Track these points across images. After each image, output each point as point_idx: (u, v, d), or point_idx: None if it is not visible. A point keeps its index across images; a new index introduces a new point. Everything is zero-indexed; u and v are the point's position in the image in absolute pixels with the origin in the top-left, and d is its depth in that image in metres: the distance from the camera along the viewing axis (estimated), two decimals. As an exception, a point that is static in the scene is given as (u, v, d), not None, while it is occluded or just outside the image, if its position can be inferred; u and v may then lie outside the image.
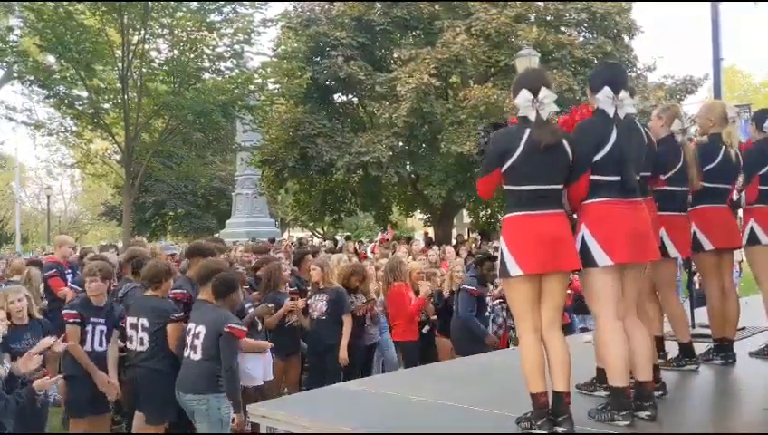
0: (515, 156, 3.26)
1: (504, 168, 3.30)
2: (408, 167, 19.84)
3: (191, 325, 5.13)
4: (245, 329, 5.23)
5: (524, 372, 3.30)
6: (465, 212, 27.10)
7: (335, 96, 21.30)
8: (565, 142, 3.34)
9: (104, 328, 5.47)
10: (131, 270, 6.42)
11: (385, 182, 19.57)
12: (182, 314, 5.47)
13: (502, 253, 3.33)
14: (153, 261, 6.16)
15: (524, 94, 3.33)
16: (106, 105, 18.02)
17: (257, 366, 5.87)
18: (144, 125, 18.28)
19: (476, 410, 3.69)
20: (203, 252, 6.32)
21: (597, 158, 3.37)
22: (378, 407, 3.94)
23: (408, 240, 17.23)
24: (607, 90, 3.44)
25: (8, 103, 18.53)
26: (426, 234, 24.00)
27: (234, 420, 4.96)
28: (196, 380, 4.98)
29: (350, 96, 21.46)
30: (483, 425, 3.43)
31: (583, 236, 3.37)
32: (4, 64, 17.81)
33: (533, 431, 3.23)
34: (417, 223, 31.61)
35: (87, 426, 5.59)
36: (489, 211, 24.03)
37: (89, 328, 5.37)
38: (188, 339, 5.10)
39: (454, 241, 19.06)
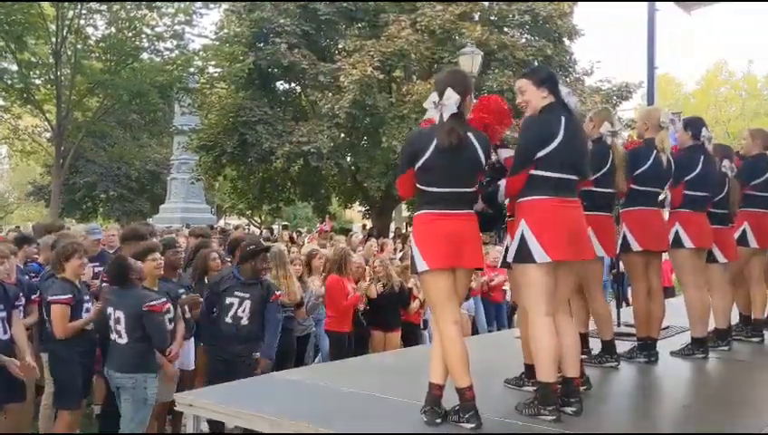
0: (426, 156, 3.27)
1: (416, 168, 3.32)
2: (348, 158, 19.83)
3: (110, 310, 5.08)
4: (164, 300, 5.14)
5: (450, 364, 3.31)
6: (404, 206, 27.27)
7: (277, 84, 21.06)
8: (476, 144, 3.33)
9: (4, 314, 5.12)
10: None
11: (325, 173, 19.49)
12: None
13: (411, 250, 3.38)
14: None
15: (432, 96, 3.37)
16: (37, 81, 17.34)
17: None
18: (77, 103, 17.70)
19: (403, 401, 3.70)
20: (138, 236, 6.16)
21: (541, 153, 3.41)
22: (307, 397, 3.92)
23: (346, 232, 17.22)
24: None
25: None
26: (364, 226, 24.05)
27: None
28: (126, 360, 4.99)
29: (292, 84, 21.27)
30: (411, 415, 3.44)
31: (522, 232, 3.41)
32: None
33: (462, 424, 3.26)
34: (356, 215, 31.63)
35: (6, 417, 5.39)
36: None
37: None
38: (111, 323, 5.05)
39: (391, 234, 19.16)
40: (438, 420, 3.31)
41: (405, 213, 29.03)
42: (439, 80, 3.50)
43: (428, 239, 3.30)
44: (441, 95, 3.32)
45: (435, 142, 3.26)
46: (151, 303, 4.99)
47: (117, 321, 5.01)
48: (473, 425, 3.22)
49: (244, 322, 5.60)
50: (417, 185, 3.35)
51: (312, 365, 7.12)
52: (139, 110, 19.95)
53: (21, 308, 5.48)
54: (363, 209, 25.96)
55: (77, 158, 21.80)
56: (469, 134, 3.33)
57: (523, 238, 3.41)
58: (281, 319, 5.97)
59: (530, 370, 3.76)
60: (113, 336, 5.05)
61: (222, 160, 19.78)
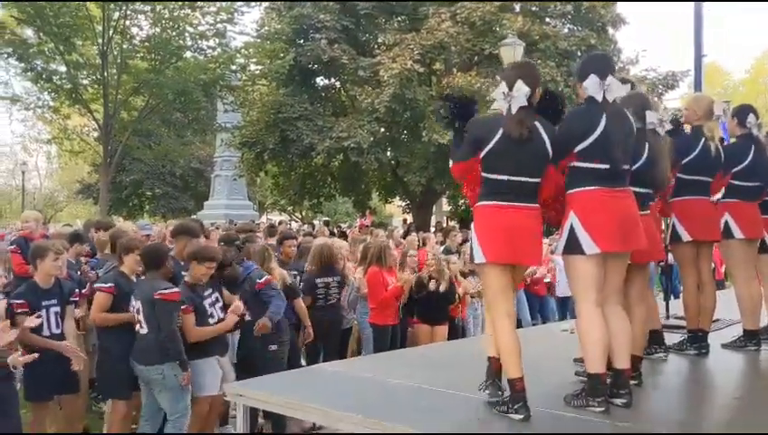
0: (492, 143, 3.29)
1: (482, 155, 3.33)
2: (388, 153, 19.83)
3: (134, 302, 5.18)
4: (177, 290, 5.17)
5: (502, 356, 3.34)
6: (444, 200, 27.20)
7: (317, 79, 21.18)
8: (544, 135, 3.34)
9: (57, 309, 5.30)
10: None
11: (365, 168, 19.54)
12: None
13: (471, 239, 3.39)
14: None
15: (501, 87, 3.37)
16: (85, 81, 17.77)
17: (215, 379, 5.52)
18: (123, 102, 18.08)
19: (451, 392, 3.70)
20: (189, 231, 6.28)
21: (584, 144, 3.38)
22: (353, 388, 3.94)
23: (384, 226, 17.23)
24: (593, 77, 3.46)
25: (-17, 76, 18.21)
26: (404, 220, 24.05)
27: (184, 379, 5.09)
28: (147, 351, 5.05)
29: (332, 80, 21.36)
30: (459, 407, 3.44)
31: (571, 224, 3.39)
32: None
33: (510, 415, 3.26)
34: (396, 210, 31.66)
35: (55, 407, 5.54)
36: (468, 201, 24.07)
37: (42, 312, 5.12)
38: (135, 314, 5.16)
39: (432, 229, 19.11)
40: (500, 393, 3.34)
41: (445, 207, 28.95)
42: (509, 71, 3.49)
43: (489, 232, 3.31)
44: (511, 87, 3.33)
45: (501, 131, 3.28)
46: (163, 291, 5.01)
47: (138, 311, 5.09)
48: (521, 416, 3.22)
49: (247, 317, 5.70)
50: (482, 173, 3.36)
51: (358, 358, 7.16)
52: (182, 108, 20.26)
53: (74, 303, 5.66)
54: (403, 204, 26.00)
55: (123, 156, 22.26)
56: (536, 124, 3.35)
57: (572, 229, 3.39)
58: (276, 295, 5.93)
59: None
60: (137, 327, 5.13)
61: (264, 157, 20.01)
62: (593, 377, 3.37)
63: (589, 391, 3.38)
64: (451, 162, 3.54)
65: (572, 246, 3.39)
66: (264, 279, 5.93)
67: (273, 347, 5.92)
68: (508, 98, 3.33)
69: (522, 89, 3.32)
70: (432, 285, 7.83)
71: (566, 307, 10.54)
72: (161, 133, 24.67)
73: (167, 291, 5.04)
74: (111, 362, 5.40)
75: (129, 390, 5.45)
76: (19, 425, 5.00)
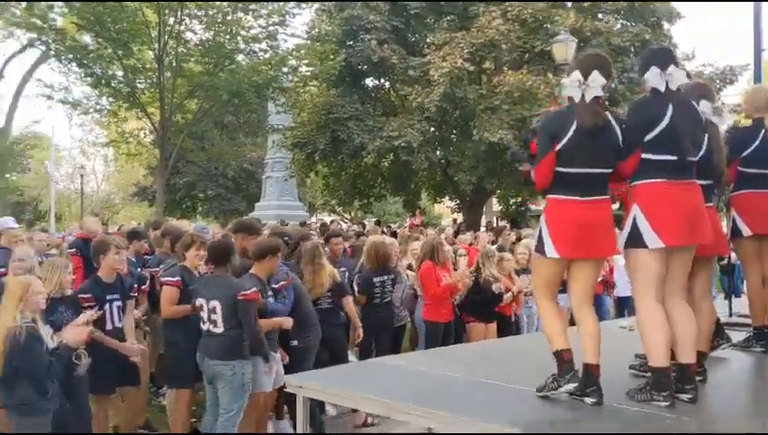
0: (567, 137, 3.27)
1: (557, 148, 3.31)
2: (438, 152, 19.75)
3: (201, 301, 5.28)
4: (256, 289, 5.28)
5: (583, 343, 3.38)
6: (494, 200, 26.97)
7: (367, 80, 21.23)
8: (615, 126, 3.32)
9: (120, 303, 5.51)
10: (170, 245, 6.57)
11: (415, 167, 19.51)
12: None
13: (541, 230, 3.37)
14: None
15: (575, 75, 3.35)
16: (141, 85, 18.24)
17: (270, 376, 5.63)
18: (178, 106, 18.47)
19: (512, 386, 3.68)
20: (250, 229, 6.42)
21: (651, 136, 3.33)
22: (409, 380, 3.95)
23: (434, 226, 17.19)
24: (654, 68, 3.40)
25: (46, 82, 18.86)
26: (454, 220, 23.94)
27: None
28: (222, 348, 5.18)
29: (382, 80, 21.39)
30: (517, 400, 3.42)
31: (635, 217, 3.35)
32: (42, 44, 18.08)
33: (584, 398, 3.27)
34: (445, 211, 31.54)
35: (117, 400, 5.73)
36: (519, 199, 23.89)
37: (106, 307, 5.37)
38: (204, 314, 5.25)
39: (482, 228, 18.98)
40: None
41: (495, 207, 28.72)
42: (586, 60, 3.48)
43: (559, 225, 3.31)
44: (586, 76, 3.31)
45: (575, 123, 3.25)
46: (246, 292, 5.15)
47: (212, 310, 5.19)
48: (594, 400, 3.23)
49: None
50: (557, 167, 3.34)
51: (413, 352, 7.17)
52: (236, 110, 20.65)
53: (134, 298, 5.83)
54: (453, 204, 25.86)
55: (177, 159, 22.76)
56: (608, 114, 3.35)
57: (635, 223, 3.34)
58: (282, 297, 5.82)
59: None
60: (206, 326, 5.25)
61: (314, 157, 20.14)
62: (657, 371, 3.31)
63: (653, 385, 3.33)
64: (532, 172, 3.48)
65: (635, 240, 3.34)
66: (279, 284, 5.83)
67: (295, 343, 5.94)
68: (583, 87, 3.30)
69: (597, 79, 3.30)
70: (495, 288, 7.79)
71: (624, 307, 10.34)
72: (214, 136, 25.09)
73: (249, 291, 5.17)
74: (178, 353, 5.56)
75: (192, 380, 5.60)
76: (89, 417, 5.19)
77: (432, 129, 18.96)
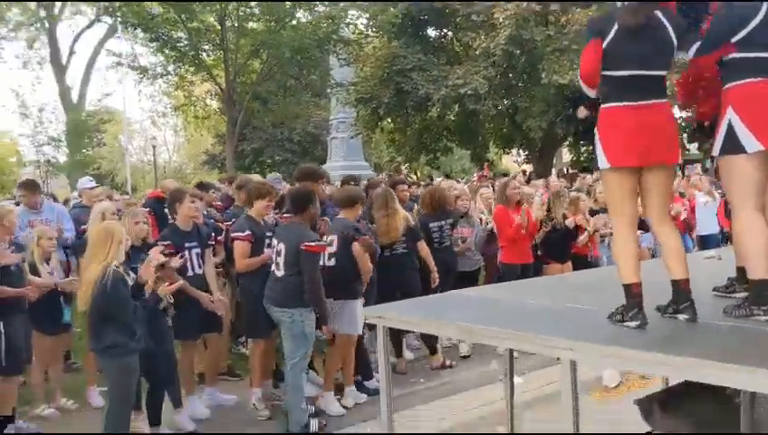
0: (608, 39, 3.04)
1: (602, 48, 3.07)
2: (505, 100, 19.25)
3: (274, 242, 5.27)
4: (323, 244, 5.27)
5: (666, 260, 3.14)
6: (564, 150, 26.28)
7: (429, 29, 20.85)
8: (667, 24, 3.05)
9: (198, 250, 5.54)
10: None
11: (482, 118, 19.13)
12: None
13: (595, 145, 3.17)
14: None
15: None
16: (206, 47, 18.39)
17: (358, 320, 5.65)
18: (243, 66, 18.57)
19: (598, 310, 3.47)
20: (314, 175, 6.36)
21: (743, 33, 3.04)
22: (491, 308, 3.77)
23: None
24: None
25: (114, 51, 19.28)
26: (524, 172, 23.44)
27: (322, 330, 5.27)
28: (281, 294, 5.12)
29: (443, 30, 20.94)
30: (606, 324, 3.20)
31: (729, 121, 3.08)
32: (109, 15, 18.44)
33: (678, 315, 3.06)
34: (512, 165, 30.97)
35: (201, 346, 5.81)
36: (591, 147, 23.17)
37: (186, 254, 5.40)
38: (273, 256, 5.23)
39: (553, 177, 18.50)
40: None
41: (566, 157, 28.01)
42: None
43: (614, 134, 3.08)
44: None
45: (616, 24, 3.03)
46: (310, 243, 5.05)
47: (278, 253, 5.15)
48: (688, 316, 3.02)
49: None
50: (603, 72, 3.11)
51: (491, 285, 6.99)
52: (298, 71, 20.61)
53: (212, 247, 5.83)
54: (521, 157, 25.33)
55: (244, 125, 22.98)
56: (658, 12, 3.06)
57: (730, 127, 3.07)
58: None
59: (742, 273, 3.40)
60: (272, 268, 5.21)
61: (379, 112, 20.00)
62: (759, 283, 3.03)
63: (753, 299, 3.05)
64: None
65: (731, 145, 3.07)
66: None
67: None
68: None
69: None
70: (569, 223, 7.59)
71: (707, 246, 9.85)
72: (279, 100, 25.19)
73: (313, 244, 5.10)
74: (254, 303, 5.52)
75: (269, 330, 5.57)
76: (173, 358, 5.26)
77: (498, 75, 18.44)
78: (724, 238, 10.07)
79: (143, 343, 4.49)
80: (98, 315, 4.27)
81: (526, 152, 23.09)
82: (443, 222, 7.00)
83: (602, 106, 3.17)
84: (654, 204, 3.19)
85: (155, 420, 4.99)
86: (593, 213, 8.38)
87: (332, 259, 5.58)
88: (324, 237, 5.69)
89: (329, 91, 25.31)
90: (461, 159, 29.16)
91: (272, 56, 18.57)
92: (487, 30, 17.42)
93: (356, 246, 5.62)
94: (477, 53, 17.65)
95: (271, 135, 29.52)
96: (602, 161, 3.12)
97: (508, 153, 26.82)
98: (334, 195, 6.70)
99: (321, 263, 5.35)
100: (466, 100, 17.40)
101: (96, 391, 5.86)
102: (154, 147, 34.28)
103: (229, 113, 18.34)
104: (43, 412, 5.65)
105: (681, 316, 3.05)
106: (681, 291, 3.08)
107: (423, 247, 6.62)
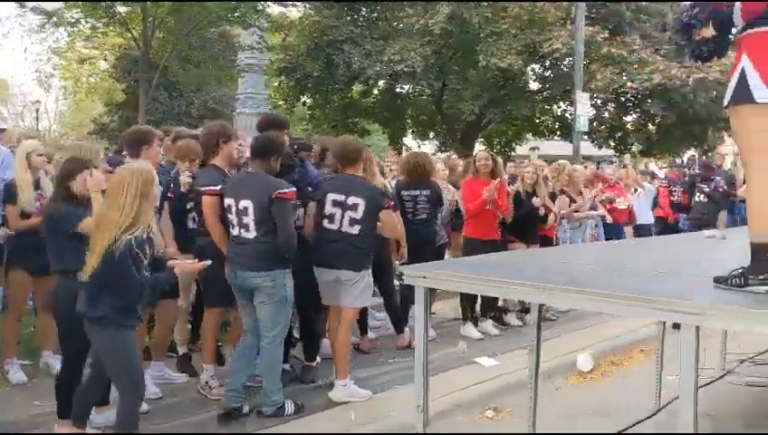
0: None
1: None
2: (437, 82, 18.84)
3: (230, 201, 4.43)
4: (294, 190, 4.49)
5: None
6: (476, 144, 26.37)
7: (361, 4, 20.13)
8: None
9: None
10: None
11: (411, 98, 18.67)
12: None
13: (739, 75, 2.80)
14: None
15: None
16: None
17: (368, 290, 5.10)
18: (162, 20, 17.03)
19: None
20: (280, 124, 5.51)
21: None
22: (519, 267, 3.82)
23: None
24: None
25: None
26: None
27: None
28: (256, 257, 4.35)
29: (378, 2, 20.25)
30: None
31: (743, 68, 2.80)
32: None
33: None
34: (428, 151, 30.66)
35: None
36: (505, 139, 23.45)
37: None
38: (232, 217, 4.42)
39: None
40: None
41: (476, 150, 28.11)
42: None
43: None
44: None
45: None
46: (282, 190, 4.31)
47: (243, 212, 4.35)
48: None
49: None
50: None
51: (511, 252, 6.52)
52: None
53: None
54: (437, 144, 25.00)
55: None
56: None
57: (742, 74, 2.79)
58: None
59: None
60: (236, 231, 4.41)
61: (305, 85, 19.00)
62: (761, 247, 2.76)
63: (753, 269, 2.77)
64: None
65: (742, 94, 2.78)
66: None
67: None
68: None
69: None
70: (536, 201, 7.27)
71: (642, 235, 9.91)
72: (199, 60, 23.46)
73: (286, 190, 4.33)
74: (214, 267, 4.52)
75: (230, 299, 4.68)
76: None
77: (434, 53, 18.00)
78: (660, 228, 10.33)
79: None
80: (99, 283, 3.39)
81: (447, 138, 22.80)
82: (418, 192, 6.50)
83: (757, 30, 2.77)
84: None
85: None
86: (552, 198, 8.13)
87: (355, 226, 4.84)
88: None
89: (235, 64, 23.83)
90: (382, 141, 28.52)
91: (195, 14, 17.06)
92: (427, 7, 16.97)
93: (388, 214, 4.99)
94: (414, 30, 17.16)
95: (168, 107, 27.67)
96: (761, 93, 2.71)
97: (424, 143, 26.32)
98: (333, 151, 5.80)
99: (338, 228, 4.75)
100: (402, 77, 16.88)
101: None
102: (37, 110, 31.35)
103: (144, 69, 16.82)
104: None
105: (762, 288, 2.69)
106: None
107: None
